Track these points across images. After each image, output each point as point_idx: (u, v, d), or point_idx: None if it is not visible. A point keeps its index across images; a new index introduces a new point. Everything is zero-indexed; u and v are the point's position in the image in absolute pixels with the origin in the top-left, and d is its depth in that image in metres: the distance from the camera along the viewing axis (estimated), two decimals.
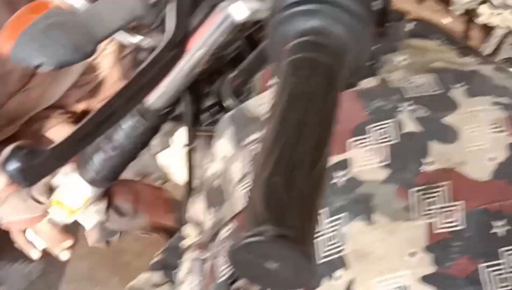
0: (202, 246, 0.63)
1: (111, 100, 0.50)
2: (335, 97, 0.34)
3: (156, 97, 0.75)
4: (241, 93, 0.76)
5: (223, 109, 0.81)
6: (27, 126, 1.32)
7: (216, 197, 0.63)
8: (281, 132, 0.32)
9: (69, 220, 0.95)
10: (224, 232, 0.57)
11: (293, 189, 0.30)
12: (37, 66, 0.64)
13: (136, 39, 0.67)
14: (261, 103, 0.62)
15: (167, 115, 0.78)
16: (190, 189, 0.80)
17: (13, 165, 0.49)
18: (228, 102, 0.74)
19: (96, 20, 0.61)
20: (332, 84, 0.34)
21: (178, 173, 1.03)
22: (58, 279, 1.60)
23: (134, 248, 1.68)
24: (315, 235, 0.31)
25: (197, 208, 0.73)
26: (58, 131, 1.27)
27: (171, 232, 1.65)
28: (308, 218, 0.30)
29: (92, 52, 0.63)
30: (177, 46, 0.50)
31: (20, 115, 1.29)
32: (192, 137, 0.79)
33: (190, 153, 0.79)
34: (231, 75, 0.74)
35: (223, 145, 0.65)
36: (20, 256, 1.62)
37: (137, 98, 0.53)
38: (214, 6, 0.58)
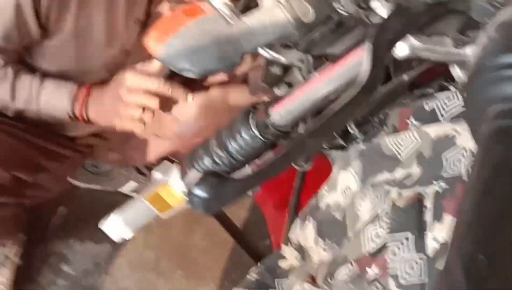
0: (313, 278, 0.62)
1: (298, 137, 0.50)
2: None
3: (282, 115, 0.73)
4: (365, 124, 0.74)
5: (343, 137, 0.79)
6: None
7: (334, 229, 0.62)
8: (486, 204, 0.30)
9: (163, 215, 0.94)
10: (346, 271, 0.56)
11: (497, 268, 0.28)
12: (182, 70, 0.64)
13: (276, 55, 0.66)
14: (397, 142, 0.60)
15: (287, 133, 0.76)
16: (296, 211, 0.78)
17: (201, 194, 0.49)
18: (351, 131, 0.72)
19: (248, 34, 0.60)
20: None
21: None
22: (124, 265, 1.61)
23: (201, 245, 1.66)
24: None
25: (304, 233, 0.71)
26: None
27: (254, 251, 1.63)
28: None
29: (238, 63, 0.63)
30: (369, 91, 0.49)
31: None
32: (306, 160, 0.77)
33: (303, 175, 0.77)
34: None
35: (347, 178, 0.64)
36: (91, 236, 1.65)
37: (323, 136, 0.52)
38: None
